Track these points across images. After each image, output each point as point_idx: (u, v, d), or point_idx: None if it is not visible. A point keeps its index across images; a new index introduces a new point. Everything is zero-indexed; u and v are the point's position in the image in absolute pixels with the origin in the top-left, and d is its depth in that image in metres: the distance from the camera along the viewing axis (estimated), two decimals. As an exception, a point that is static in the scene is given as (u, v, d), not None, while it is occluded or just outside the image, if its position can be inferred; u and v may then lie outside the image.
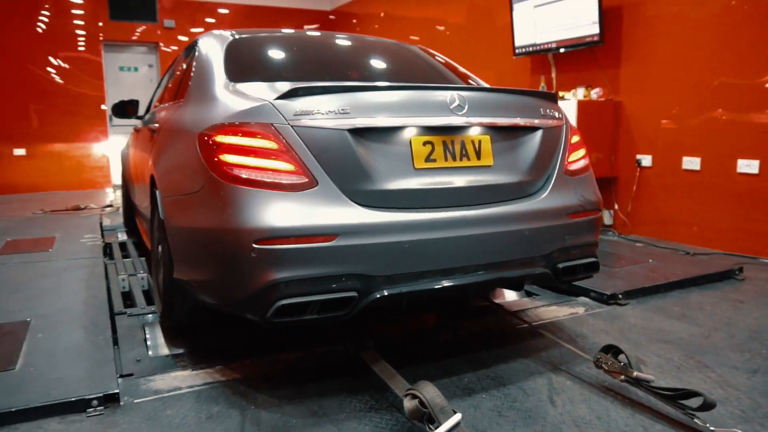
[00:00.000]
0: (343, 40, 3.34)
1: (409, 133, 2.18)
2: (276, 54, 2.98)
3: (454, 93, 2.26)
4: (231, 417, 2.03)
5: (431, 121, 2.20)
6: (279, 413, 2.05)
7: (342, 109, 2.08)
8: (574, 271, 2.50)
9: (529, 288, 3.64)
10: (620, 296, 3.30)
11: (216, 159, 2.05)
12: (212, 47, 2.87)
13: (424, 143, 2.20)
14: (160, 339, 2.82)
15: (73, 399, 2.07)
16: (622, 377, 2.17)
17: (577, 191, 2.51)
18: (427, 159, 2.20)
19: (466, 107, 2.26)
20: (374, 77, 3.04)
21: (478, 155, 2.30)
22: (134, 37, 9.88)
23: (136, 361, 2.53)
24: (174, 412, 2.07)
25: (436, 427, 1.74)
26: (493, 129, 2.35)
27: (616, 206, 5.37)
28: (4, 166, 9.11)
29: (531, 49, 5.94)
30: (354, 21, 10.21)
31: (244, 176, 2.00)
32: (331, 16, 11.04)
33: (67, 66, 9.45)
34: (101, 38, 9.66)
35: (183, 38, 10.07)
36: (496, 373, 2.37)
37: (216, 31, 3.13)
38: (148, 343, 2.77)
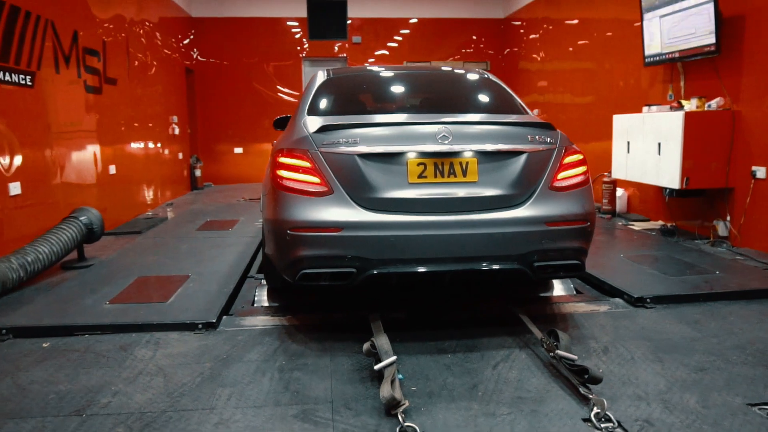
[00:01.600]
0: (415, 75, 4.15)
1: (405, 156, 2.96)
2: (347, 91, 3.91)
3: (442, 126, 2.97)
4: (272, 344, 3.05)
5: (421, 148, 2.94)
6: (303, 346, 3.02)
7: (353, 140, 2.95)
8: (552, 270, 3.02)
9: (577, 286, 4.08)
10: (648, 300, 3.60)
11: (276, 171, 3.07)
12: (312, 84, 3.90)
13: (418, 164, 2.96)
14: (264, 296, 3.97)
15: (188, 322, 3.28)
16: (551, 354, 2.70)
17: (559, 204, 3.02)
18: (420, 176, 2.96)
19: (451, 137, 2.96)
20: (420, 109, 3.79)
21: (465, 173, 2.98)
22: (331, 51, 11.60)
23: (241, 306, 3.72)
24: (243, 337, 3.16)
25: (376, 363, 2.54)
26: (480, 153, 3.00)
27: (728, 218, 5.26)
28: (227, 161, 11.50)
29: (657, 58, 5.99)
30: (521, 31, 10.64)
31: (288, 185, 2.98)
32: (502, 27, 11.59)
33: (275, 79, 11.53)
34: (302, 55, 11.56)
35: (368, 51, 11.53)
36: (474, 344, 3.02)
37: (324, 69, 4.14)
38: (255, 297, 3.94)
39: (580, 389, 2.42)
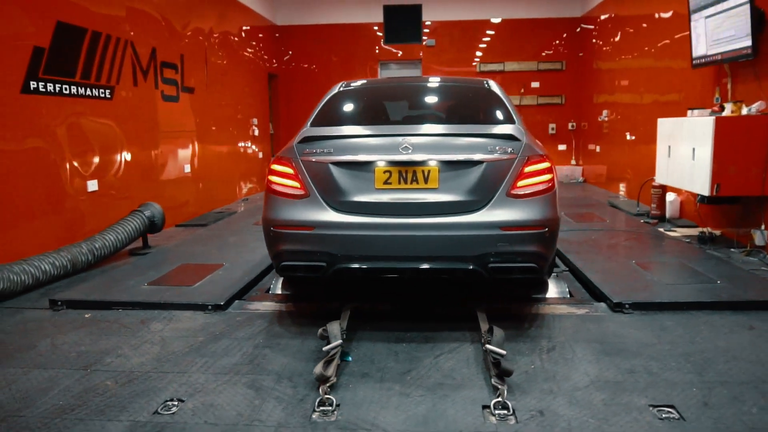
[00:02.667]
0: (414, 88, 4.46)
1: (373, 164, 3.32)
2: (348, 104, 4.28)
3: (404, 138, 3.29)
4: (261, 325, 3.53)
5: (386, 158, 3.28)
6: (285, 329, 3.47)
7: (327, 150, 3.36)
8: (506, 271, 3.25)
9: (574, 290, 4.20)
10: (626, 306, 3.69)
11: (268, 177, 3.54)
12: (325, 96, 4.34)
13: (384, 171, 3.31)
14: (279, 285, 4.48)
15: (200, 303, 3.86)
16: (483, 348, 2.95)
17: (515, 210, 3.24)
18: (385, 182, 3.31)
19: (413, 148, 3.27)
20: (405, 120, 4.09)
21: (426, 180, 3.29)
22: (405, 55, 12.00)
23: (256, 293, 4.25)
24: (241, 318, 3.67)
25: (325, 346, 2.93)
26: (442, 162, 3.29)
27: (763, 227, 5.05)
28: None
29: (703, 60, 5.82)
30: (596, 29, 10.42)
31: (275, 188, 3.45)
32: (581, 26, 11.37)
33: (352, 83, 12.13)
34: (378, 58, 12.07)
35: (442, 54, 11.80)
36: (434, 336, 3.32)
37: (342, 82, 4.56)
38: (272, 285, 4.46)
39: (492, 380, 2.67)
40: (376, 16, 11.81)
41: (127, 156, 6.09)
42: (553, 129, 11.79)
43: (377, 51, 12.02)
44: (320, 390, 2.61)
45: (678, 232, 6.00)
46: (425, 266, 3.26)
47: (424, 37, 11.85)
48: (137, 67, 6.30)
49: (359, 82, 4.48)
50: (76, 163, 5.28)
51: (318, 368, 2.70)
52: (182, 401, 2.59)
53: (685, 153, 5.57)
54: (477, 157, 3.28)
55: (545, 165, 3.38)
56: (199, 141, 7.93)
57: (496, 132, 3.42)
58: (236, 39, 9.57)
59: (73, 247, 4.81)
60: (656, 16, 7.55)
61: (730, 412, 2.41)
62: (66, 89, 5.08)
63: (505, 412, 2.45)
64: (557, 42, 11.58)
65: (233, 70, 9.38)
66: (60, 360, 3.06)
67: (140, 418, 2.45)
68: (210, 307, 3.84)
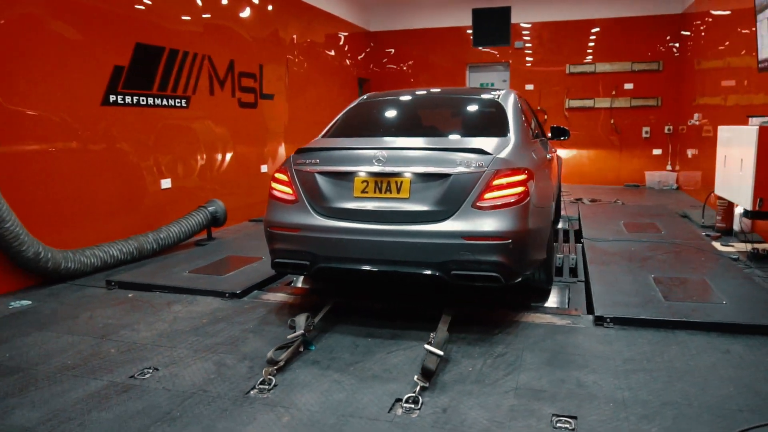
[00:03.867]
0: (419, 102, 4.70)
1: (353, 174, 3.64)
2: (359, 116, 4.60)
3: (378, 151, 3.57)
4: (260, 313, 3.99)
5: (363, 169, 3.59)
6: (278, 318, 3.91)
7: (314, 161, 3.73)
8: (469, 278, 3.43)
9: (576, 300, 4.23)
10: (608, 320, 3.68)
11: (270, 183, 3.99)
12: (346, 108, 4.72)
13: (362, 181, 3.62)
14: (300, 279, 4.94)
15: (220, 291, 4.41)
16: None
17: (479, 221, 3.40)
18: (363, 191, 3.62)
19: (386, 161, 3.54)
20: (399, 132, 4.32)
21: (399, 190, 3.55)
22: (494, 57, 12.02)
23: (276, 285, 4.74)
24: (249, 306, 4.17)
25: (291, 333, 3.32)
26: (414, 173, 3.53)
27: (812, 248, 4.64)
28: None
29: (766, 64, 5.42)
30: (697, 26, 9.76)
31: (274, 194, 3.89)
32: (681, 24, 10.69)
33: (441, 86, 12.38)
34: (467, 61, 12.20)
35: (531, 55, 11.67)
36: (401, 333, 3.58)
37: (365, 95, 4.93)
38: (294, 279, 4.93)
39: (416, 377, 2.90)
40: (464, 19, 11.95)
41: (201, 157, 6.89)
42: (647, 132, 11.20)
43: (466, 54, 12.15)
44: (263, 371, 3.00)
45: (734, 248, 5.63)
46: (395, 270, 3.52)
47: (520, 42, 11.77)
48: (214, 78, 7.09)
49: (379, 95, 4.81)
50: (152, 164, 6.11)
51: (270, 353, 3.09)
52: (157, 370, 3.11)
53: (736, 163, 5.25)
54: (445, 170, 3.49)
55: (518, 178, 3.50)
56: (275, 143, 8.65)
57: (467, 146, 3.59)
58: (322, 46, 10.23)
59: (141, 236, 5.62)
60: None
61: (626, 429, 2.45)
62: (143, 100, 5.92)
63: (413, 406, 2.68)
64: (654, 41, 10.97)
65: (318, 75, 10.05)
66: (88, 329, 3.74)
67: (117, 379, 3.00)
68: (227, 294, 4.39)
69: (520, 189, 3.49)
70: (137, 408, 2.70)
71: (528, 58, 11.81)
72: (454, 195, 3.47)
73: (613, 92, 11.23)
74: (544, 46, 11.65)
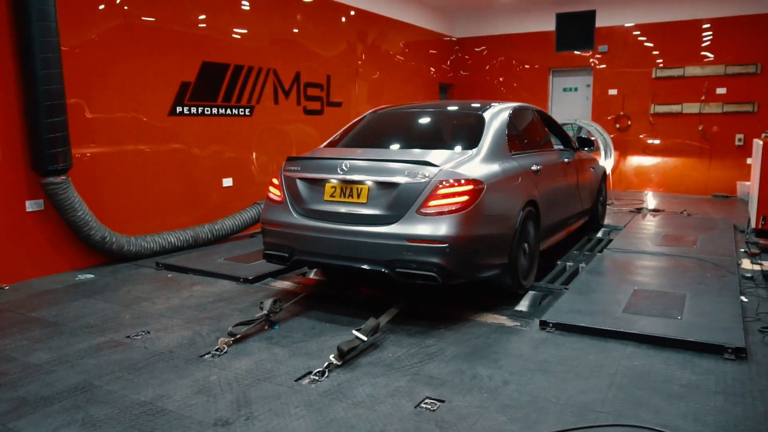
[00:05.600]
0: (415, 115, 5.13)
1: (324, 181, 4.20)
2: (356, 128, 5.12)
3: (343, 161, 4.10)
4: (257, 297, 4.69)
5: (332, 176, 4.14)
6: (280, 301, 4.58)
7: (297, 168, 4.35)
8: (411, 276, 3.86)
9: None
10: (551, 325, 3.91)
11: (268, 186, 4.66)
12: (354, 120, 5.31)
13: (331, 187, 4.18)
14: (314, 270, 5.58)
15: (236, 276, 5.18)
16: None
17: (422, 226, 3.82)
18: (331, 196, 4.18)
19: (348, 170, 4.06)
20: (386, 144, 4.78)
21: (359, 196, 4.06)
22: (577, 62, 11.86)
23: (289, 274, 5.43)
24: (253, 290, 4.89)
25: (259, 312, 3.97)
26: (371, 181, 4.02)
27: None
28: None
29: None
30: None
31: (269, 195, 4.56)
32: (780, 18, 9.87)
33: (523, 91, 12.45)
34: (550, 66, 12.15)
35: (615, 60, 11.38)
36: (359, 321, 4.08)
37: (373, 109, 5.48)
38: (306, 270, 5.59)
39: (331, 355, 3.40)
40: (548, 24, 11.92)
41: (262, 159, 7.80)
42: (740, 140, 10.46)
43: (549, 59, 12.10)
44: (219, 341, 3.67)
45: (762, 266, 5.39)
46: (353, 265, 4.05)
47: (604, 46, 11.52)
48: (279, 89, 7.96)
49: (384, 110, 5.34)
50: (216, 165, 7.10)
51: (230, 327, 3.77)
52: (148, 333, 3.91)
53: (754, 178, 5.07)
54: (395, 179, 3.94)
55: (462, 188, 3.87)
56: (342, 147, 9.39)
57: (417, 159, 4.01)
58: (400, 54, 10.83)
59: (198, 227, 6.60)
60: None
61: (475, 414, 2.79)
62: (207, 110, 6.91)
63: (317, 378, 3.20)
64: (751, 42, 10.23)
65: (394, 82, 10.68)
66: (120, 299, 4.67)
67: (117, 337, 3.83)
68: (241, 279, 5.15)
69: (463, 198, 3.85)
70: (116, 358, 3.50)
71: (612, 62, 11.50)
72: (402, 202, 3.91)
73: (702, 97, 10.63)
74: (629, 49, 11.29)
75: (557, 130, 6.23)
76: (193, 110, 6.74)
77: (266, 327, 3.99)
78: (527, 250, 4.66)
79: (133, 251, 5.89)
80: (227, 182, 7.30)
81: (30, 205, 5.26)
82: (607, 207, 9.04)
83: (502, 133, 4.64)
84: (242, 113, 7.40)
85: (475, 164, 4.14)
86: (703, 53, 10.63)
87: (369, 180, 4.04)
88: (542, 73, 12.28)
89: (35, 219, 5.31)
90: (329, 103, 9.02)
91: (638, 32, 11.17)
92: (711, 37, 10.54)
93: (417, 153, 4.32)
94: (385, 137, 4.98)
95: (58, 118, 5.13)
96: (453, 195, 3.85)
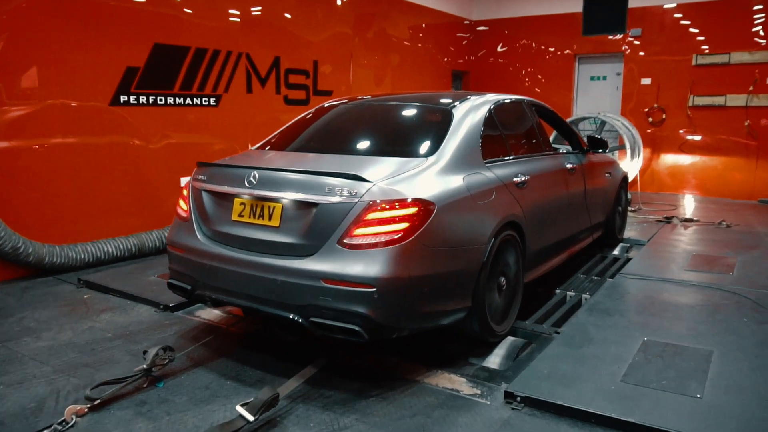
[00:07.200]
0: (369, 111, 4.14)
1: (234, 196, 3.25)
2: (296, 125, 4.14)
3: (251, 171, 3.13)
4: (178, 331, 3.79)
5: (241, 190, 3.18)
6: (192, 340, 3.68)
7: (203, 177, 3.40)
8: (328, 329, 2.88)
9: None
10: (518, 399, 2.88)
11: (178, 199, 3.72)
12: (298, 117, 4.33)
13: (240, 203, 3.22)
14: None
15: (156, 302, 4.29)
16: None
17: (342, 262, 2.83)
18: (239, 215, 3.22)
19: (256, 182, 3.10)
20: (320, 147, 3.79)
21: (270, 217, 3.09)
22: (606, 47, 10.58)
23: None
24: (172, 323, 4.00)
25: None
26: (287, 199, 3.04)
27: None
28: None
29: None
30: None
31: (177, 208, 3.63)
32: None
33: (544, 78, 11.23)
34: (576, 52, 10.89)
35: (650, 45, 10.06)
36: (266, 377, 3.14)
37: (324, 102, 4.49)
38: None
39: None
40: (574, 4, 10.64)
41: (232, 154, 6.88)
42: (793, 138, 9.08)
43: (575, 43, 10.84)
44: (66, 411, 2.76)
45: (815, 307, 4.22)
46: (258, 308, 3.10)
47: (637, 29, 10.20)
48: (253, 75, 7.02)
49: (335, 102, 4.36)
50: (172, 161, 6.22)
51: (88, 390, 2.87)
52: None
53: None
54: (312, 197, 2.96)
55: (401, 212, 2.86)
56: (332, 141, 8.41)
57: (342, 171, 3.00)
58: (406, 39, 9.77)
59: (144, 234, 5.75)
60: None
61: None
62: (161, 100, 6.02)
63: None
64: (811, 24, 8.80)
65: (397, 69, 9.64)
66: (3, 330, 3.83)
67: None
68: (161, 306, 4.25)
69: (401, 225, 2.85)
70: (-76, 433, 2.64)
71: (646, 48, 10.17)
72: (321, 228, 2.93)
73: (751, 88, 9.24)
74: (666, 33, 9.95)
75: (563, 128, 5.11)
76: (143, 99, 5.86)
77: (145, 385, 3.08)
78: (504, 285, 3.62)
79: (58, 263, 5.08)
80: (184, 181, 6.40)
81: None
82: (633, 214, 7.85)
83: (474, 136, 3.59)
84: (206, 103, 6.49)
85: (427, 178, 3.12)
86: (753, 37, 9.23)
87: (284, 197, 3.07)
88: (567, 60, 11.03)
89: (-70, 227, 4.53)
90: (317, 92, 8.04)
91: (678, 13, 9.82)
92: (763, 19, 9.13)
93: (353, 161, 3.32)
94: (327, 139, 3.99)
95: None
96: (388, 221, 2.85)
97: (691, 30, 9.70)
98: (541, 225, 4.06)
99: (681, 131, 9.97)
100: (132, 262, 5.47)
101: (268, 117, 7.32)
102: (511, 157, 3.90)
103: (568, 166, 4.66)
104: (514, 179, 3.74)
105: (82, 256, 5.23)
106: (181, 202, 3.58)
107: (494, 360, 3.48)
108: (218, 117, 6.66)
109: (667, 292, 4.48)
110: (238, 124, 6.92)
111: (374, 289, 2.77)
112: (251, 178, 3.15)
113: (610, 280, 4.93)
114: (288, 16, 7.45)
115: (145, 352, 3.16)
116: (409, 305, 2.93)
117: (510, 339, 3.70)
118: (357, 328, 2.81)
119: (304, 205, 3.00)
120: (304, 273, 2.89)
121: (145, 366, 3.05)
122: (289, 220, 3.05)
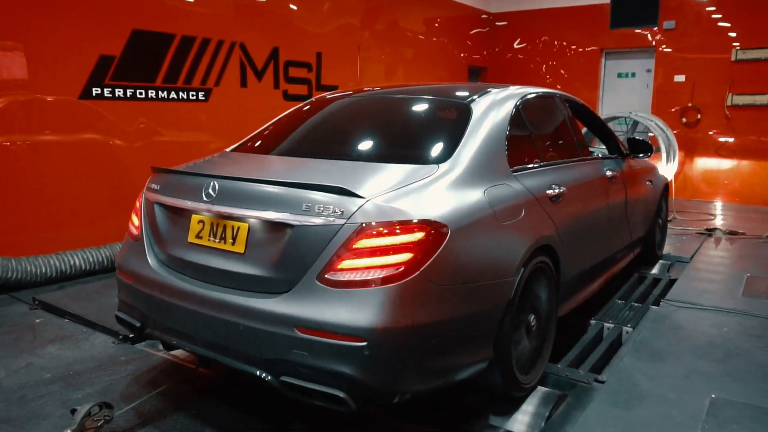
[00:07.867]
0: (372, 105, 3.41)
1: (191, 212, 2.55)
2: (282, 122, 3.42)
3: (210, 181, 2.42)
4: (134, 371, 3.11)
5: (198, 205, 2.47)
6: (150, 384, 3.00)
7: (157, 186, 2.70)
8: (303, 392, 2.17)
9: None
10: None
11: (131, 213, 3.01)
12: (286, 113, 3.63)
13: (199, 221, 2.52)
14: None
15: (115, 330, 3.61)
16: None
17: (324, 305, 2.12)
18: (197, 235, 2.52)
19: (215, 195, 2.39)
20: (322, 150, 3.04)
21: (234, 241, 2.39)
22: (635, 42, 9.76)
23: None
24: (130, 359, 3.31)
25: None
26: (254, 218, 2.34)
27: None
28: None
29: None
30: None
31: (129, 225, 2.93)
32: None
33: (567, 75, 10.44)
34: (603, 46, 10.08)
35: (685, 39, 9.22)
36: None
37: (317, 96, 3.78)
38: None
39: None
40: (602, -5, 9.85)
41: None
42: None
43: (602, 38, 10.03)
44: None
45: None
46: (216, 358, 2.39)
47: (671, 22, 9.37)
48: (248, 67, 6.34)
49: (329, 96, 3.64)
50: (154, 161, 5.54)
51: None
52: None
53: None
54: (284, 216, 2.24)
55: (404, 239, 2.14)
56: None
57: (325, 183, 2.27)
58: (418, 32, 9.06)
59: (117, 244, 5.08)
60: None
61: None
62: (141, 93, 5.35)
63: None
64: None
65: (410, 64, 8.92)
66: None
67: None
68: (120, 337, 3.57)
69: (404, 256, 2.12)
70: None
71: (680, 42, 9.34)
72: (296, 258, 2.22)
73: (798, 86, 8.39)
74: (702, 25, 9.11)
75: (599, 129, 4.36)
76: (119, 92, 5.19)
77: (71, 455, 2.39)
78: (534, 324, 2.89)
79: (14, 278, 4.42)
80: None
81: None
82: (669, 225, 7.05)
83: (499, 137, 2.86)
84: (194, 98, 5.82)
85: (438, 191, 2.39)
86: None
87: (250, 215, 2.36)
88: (593, 56, 10.22)
89: None
90: (320, 87, 7.33)
91: (715, 5, 8.98)
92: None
93: (345, 169, 2.60)
94: (319, 139, 3.28)
95: None
96: (385, 250, 2.12)
97: (731, 22, 8.86)
98: (579, 246, 3.32)
99: (715, 132, 9.14)
100: (101, 277, 4.81)
101: (266, 113, 6.60)
102: (543, 164, 3.15)
103: (608, 173, 3.90)
104: (548, 191, 3.00)
105: (43, 270, 4.58)
106: (133, 217, 2.88)
107: (522, 419, 2.75)
108: (208, 113, 5.98)
109: (726, 327, 3.71)
110: (232, 120, 6.23)
111: (365, 343, 2.06)
112: (210, 190, 2.44)
113: (654, 307, 4.17)
114: (291, 6, 6.76)
115: (73, 411, 2.47)
116: (412, 363, 2.20)
117: (540, 390, 2.97)
118: (341, 395, 2.10)
119: (275, 227, 2.29)
120: (273, 317, 2.19)
121: (70, 430, 2.36)
122: (256, 246, 2.34)
